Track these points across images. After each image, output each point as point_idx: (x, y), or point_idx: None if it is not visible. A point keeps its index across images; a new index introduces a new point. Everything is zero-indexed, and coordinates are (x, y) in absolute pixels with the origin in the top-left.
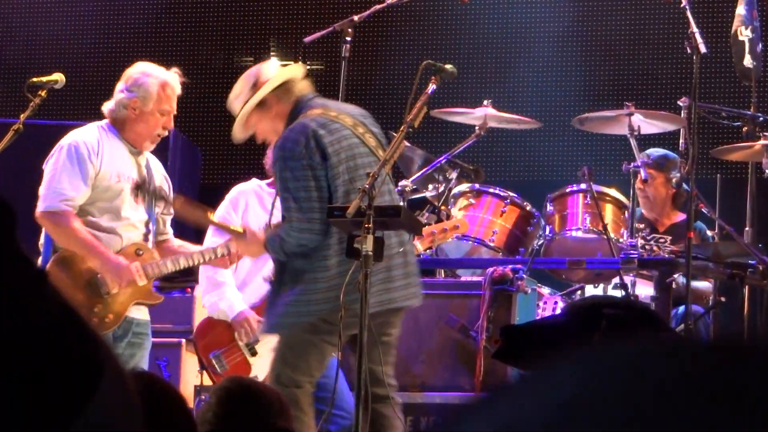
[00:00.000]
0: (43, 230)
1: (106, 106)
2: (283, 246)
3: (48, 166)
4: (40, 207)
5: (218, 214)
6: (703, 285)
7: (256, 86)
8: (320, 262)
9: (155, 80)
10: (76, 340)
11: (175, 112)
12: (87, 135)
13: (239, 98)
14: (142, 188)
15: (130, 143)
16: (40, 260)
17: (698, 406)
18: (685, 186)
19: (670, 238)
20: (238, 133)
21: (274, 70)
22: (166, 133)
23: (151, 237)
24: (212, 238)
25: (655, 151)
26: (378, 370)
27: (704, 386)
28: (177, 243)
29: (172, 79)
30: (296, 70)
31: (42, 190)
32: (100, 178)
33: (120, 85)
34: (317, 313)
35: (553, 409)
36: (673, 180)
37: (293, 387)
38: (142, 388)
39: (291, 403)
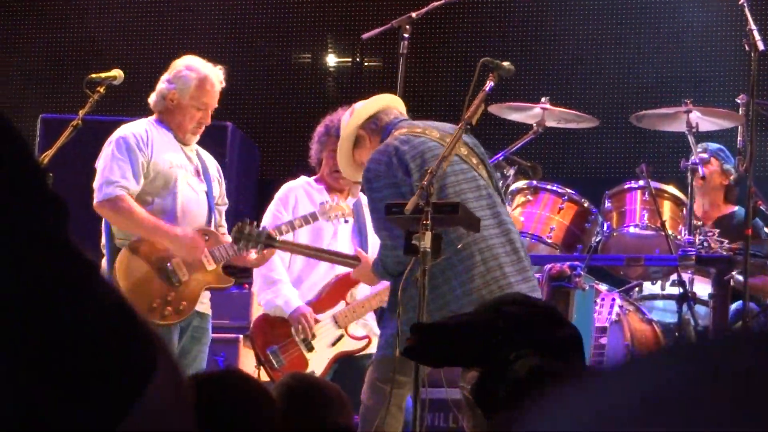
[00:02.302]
0: (103, 231)
1: (150, 98)
2: (385, 267)
3: (99, 162)
4: (96, 198)
5: (269, 212)
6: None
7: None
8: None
9: (195, 74)
10: (129, 334)
11: (214, 107)
12: (135, 127)
13: (341, 139)
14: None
15: (175, 134)
16: (104, 261)
17: None
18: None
19: (717, 230)
20: (347, 171)
21: (361, 105)
22: (203, 128)
23: (212, 227)
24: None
25: (712, 144)
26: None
27: None
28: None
29: (214, 75)
30: (384, 101)
31: (95, 183)
32: (153, 165)
33: (164, 76)
34: None
35: (643, 402)
36: (731, 177)
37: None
38: (230, 386)
39: (382, 400)
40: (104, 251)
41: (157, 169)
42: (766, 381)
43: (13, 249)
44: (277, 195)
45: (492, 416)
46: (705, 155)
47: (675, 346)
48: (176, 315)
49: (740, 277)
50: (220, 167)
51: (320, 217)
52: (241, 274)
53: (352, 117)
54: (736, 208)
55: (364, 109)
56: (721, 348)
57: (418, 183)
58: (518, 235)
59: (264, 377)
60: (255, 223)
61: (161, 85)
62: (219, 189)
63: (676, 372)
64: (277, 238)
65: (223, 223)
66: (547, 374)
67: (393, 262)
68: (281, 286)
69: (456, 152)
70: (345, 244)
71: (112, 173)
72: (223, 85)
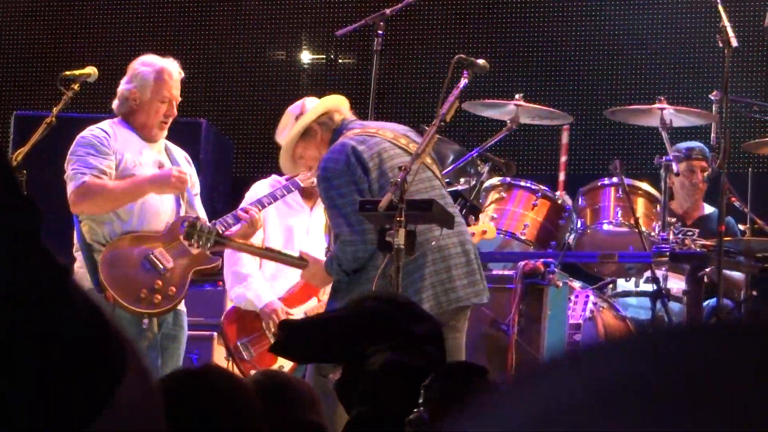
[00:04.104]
0: (75, 235)
1: (114, 104)
2: (341, 263)
3: (67, 166)
4: (69, 192)
5: (230, 215)
6: (737, 274)
7: (299, 118)
8: (372, 272)
9: (151, 69)
10: (98, 338)
11: (178, 99)
12: (97, 128)
13: (285, 131)
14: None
15: (140, 133)
16: (78, 264)
17: (749, 387)
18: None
19: (697, 230)
20: (286, 164)
21: (316, 101)
22: (170, 120)
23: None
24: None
25: (697, 143)
26: None
27: (755, 367)
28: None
29: (170, 66)
30: (339, 100)
31: (67, 180)
32: (118, 163)
33: (122, 80)
34: None
35: (590, 395)
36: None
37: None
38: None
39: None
40: (77, 255)
41: (122, 166)
42: (723, 373)
43: None
44: (247, 194)
45: (351, 410)
46: (694, 152)
47: (631, 337)
48: (167, 301)
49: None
50: (189, 157)
51: (302, 183)
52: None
53: (308, 110)
54: (713, 209)
55: (319, 104)
56: (678, 340)
57: (376, 181)
58: (469, 235)
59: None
60: (207, 221)
61: (121, 88)
62: (189, 181)
63: (631, 363)
64: (228, 238)
65: (200, 210)
66: (400, 368)
67: (351, 257)
68: (252, 280)
69: (411, 152)
70: (318, 241)
71: (79, 164)
72: (182, 75)
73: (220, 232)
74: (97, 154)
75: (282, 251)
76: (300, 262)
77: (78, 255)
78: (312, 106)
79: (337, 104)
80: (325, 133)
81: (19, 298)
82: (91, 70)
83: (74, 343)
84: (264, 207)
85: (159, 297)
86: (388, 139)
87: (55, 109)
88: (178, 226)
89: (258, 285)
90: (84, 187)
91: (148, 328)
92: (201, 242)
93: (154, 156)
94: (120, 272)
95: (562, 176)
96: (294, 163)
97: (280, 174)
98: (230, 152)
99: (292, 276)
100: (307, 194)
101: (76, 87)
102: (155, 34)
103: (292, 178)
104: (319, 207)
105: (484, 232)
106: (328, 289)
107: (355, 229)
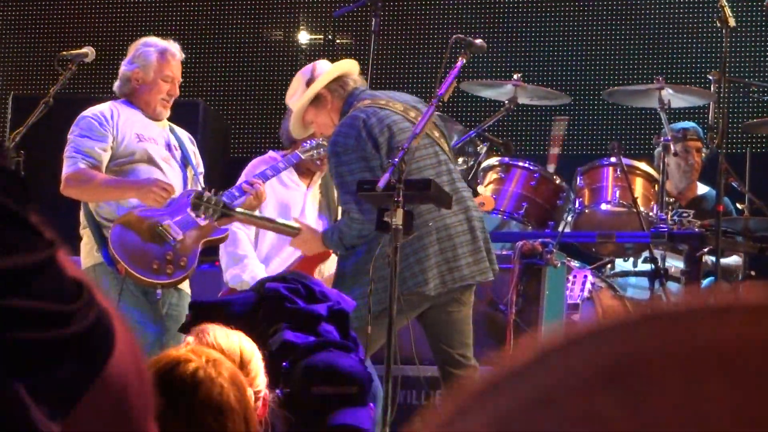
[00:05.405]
0: (82, 211)
1: (115, 85)
2: (343, 239)
3: (66, 145)
4: (63, 173)
5: (235, 188)
6: (732, 260)
7: (310, 82)
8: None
9: (154, 49)
10: (86, 312)
11: (179, 79)
12: (98, 108)
13: (295, 96)
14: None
15: (144, 113)
16: (83, 242)
17: (751, 366)
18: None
19: (692, 211)
20: (297, 128)
21: (328, 66)
22: (172, 100)
23: None
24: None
25: (691, 123)
26: (452, 353)
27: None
28: None
29: (172, 47)
30: (350, 65)
31: (64, 159)
32: (119, 143)
33: (124, 61)
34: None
35: (589, 374)
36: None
37: None
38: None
39: None
40: (83, 233)
41: (124, 145)
42: (725, 352)
43: None
44: (244, 172)
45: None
46: (690, 132)
47: (631, 316)
48: (179, 272)
49: (713, 258)
50: (193, 138)
51: (303, 156)
52: (211, 251)
53: (319, 75)
54: (707, 189)
55: (331, 69)
56: (677, 319)
57: (386, 157)
58: (477, 211)
59: None
60: (214, 191)
61: (123, 68)
62: (194, 159)
63: (631, 343)
64: (234, 210)
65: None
66: (296, 348)
67: (356, 234)
68: (248, 261)
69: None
70: (312, 219)
71: (74, 149)
72: (182, 56)
73: (226, 203)
74: (94, 136)
75: (277, 220)
76: (293, 230)
77: (85, 232)
78: (323, 70)
79: (349, 70)
80: (336, 100)
81: (4, 272)
82: (87, 50)
83: (60, 318)
84: (267, 179)
85: (171, 268)
86: (398, 111)
87: (52, 89)
88: (184, 198)
89: (254, 266)
90: (77, 173)
91: (160, 300)
92: (208, 213)
93: (161, 132)
94: (131, 245)
95: (551, 169)
96: (304, 128)
97: (276, 150)
98: (227, 133)
99: (287, 257)
100: (303, 172)
101: (73, 67)
102: (152, 14)
103: (292, 152)
104: (316, 186)
105: (482, 205)
106: (323, 267)
107: (364, 207)
